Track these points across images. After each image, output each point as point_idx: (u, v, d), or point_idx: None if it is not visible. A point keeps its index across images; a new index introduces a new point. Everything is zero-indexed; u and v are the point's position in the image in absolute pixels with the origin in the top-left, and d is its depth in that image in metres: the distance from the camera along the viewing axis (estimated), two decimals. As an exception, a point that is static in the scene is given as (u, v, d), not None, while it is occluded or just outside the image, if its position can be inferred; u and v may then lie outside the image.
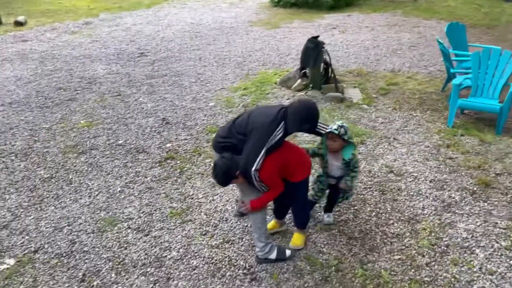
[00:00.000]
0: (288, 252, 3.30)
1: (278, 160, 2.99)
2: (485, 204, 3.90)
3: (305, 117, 2.96)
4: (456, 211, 3.82)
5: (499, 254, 3.31)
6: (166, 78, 7.45)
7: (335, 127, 3.17)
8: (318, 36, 6.49)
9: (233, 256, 3.36)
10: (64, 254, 3.39)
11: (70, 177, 4.48)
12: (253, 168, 2.88)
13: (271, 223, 3.60)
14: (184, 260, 3.33)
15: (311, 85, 6.60)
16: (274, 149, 2.96)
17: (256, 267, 3.24)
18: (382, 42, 9.44)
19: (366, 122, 5.66)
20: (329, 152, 3.37)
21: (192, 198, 4.10)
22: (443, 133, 5.30)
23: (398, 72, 7.63)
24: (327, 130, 3.22)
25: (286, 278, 3.14)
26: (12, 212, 3.93)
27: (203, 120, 5.79)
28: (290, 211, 3.57)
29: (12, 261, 3.32)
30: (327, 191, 3.65)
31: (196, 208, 3.95)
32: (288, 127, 2.97)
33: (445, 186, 4.18)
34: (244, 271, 3.21)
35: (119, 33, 10.73)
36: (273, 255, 3.24)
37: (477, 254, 3.31)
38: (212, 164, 3.07)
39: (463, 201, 3.94)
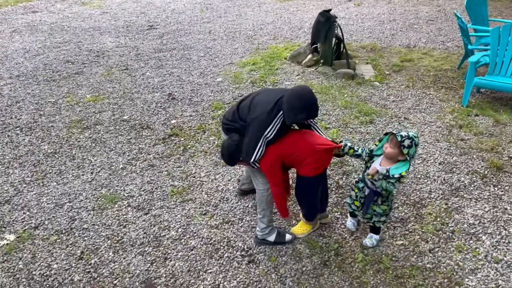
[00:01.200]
0: (288, 237, 3.24)
1: (279, 151, 2.88)
2: (495, 188, 3.75)
3: (298, 107, 2.75)
4: (465, 195, 3.69)
5: (507, 241, 3.19)
6: (174, 52, 7.32)
7: (403, 133, 2.66)
8: (330, 10, 6.23)
9: (232, 237, 3.32)
10: (64, 231, 3.40)
11: (74, 152, 4.46)
12: (251, 160, 2.84)
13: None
14: (183, 240, 3.30)
15: (321, 61, 6.40)
16: (275, 140, 2.86)
17: (254, 249, 3.20)
18: (398, 16, 9.09)
19: (377, 100, 5.48)
20: (381, 156, 2.89)
21: (194, 177, 4.05)
22: (456, 112, 5.10)
23: (414, 48, 7.34)
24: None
25: (284, 261, 3.09)
26: (15, 187, 3.94)
27: (210, 96, 5.68)
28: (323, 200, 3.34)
29: (12, 237, 3.33)
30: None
31: (197, 187, 3.90)
32: (286, 117, 2.81)
33: (454, 169, 4.03)
34: (242, 252, 3.17)
35: (129, 5, 10.57)
36: (271, 238, 3.19)
37: (483, 241, 3.20)
38: (221, 144, 3.04)
39: (472, 185, 3.80)
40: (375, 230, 3.19)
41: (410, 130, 2.64)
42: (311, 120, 3.11)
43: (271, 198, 3.05)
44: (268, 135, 2.81)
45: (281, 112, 2.81)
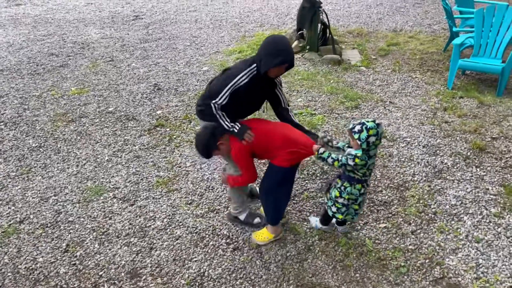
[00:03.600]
0: (256, 220, 3.26)
1: (261, 130, 2.86)
2: (478, 169, 3.79)
3: (274, 50, 2.65)
4: (447, 177, 3.73)
5: (487, 221, 3.24)
6: (160, 42, 7.26)
7: (357, 121, 2.63)
8: (314, -5, 6.19)
9: (217, 225, 3.34)
10: (49, 225, 3.40)
11: (59, 146, 4.44)
12: (213, 101, 2.74)
13: None
14: (168, 230, 3.32)
15: (307, 47, 6.38)
16: (245, 95, 2.75)
17: (239, 236, 3.22)
18: (385, 0, 9.05)
19: (363, 85, 5.49)
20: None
21: (179, 167, 4.05)
22: (441, 95, 5.13)
23: (400, 31, 7.34)
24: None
25: (268, 247, 3.12)
26: None
27: (196, 85, 5.66)
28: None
29: (-3, 232, 3.34)
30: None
31: (183, 177, 3.91)
32: (260, 67, 2.71)
33: (438, 151, 4.06)
34: (228, 240, 3.20)
35: (114, -5, 10.43)
36: (242, 217, 3.27)
37: (464, 222, 3.25)
38: (195, 136, 2.97)
39: (455, 167, 3.84)
40: (324, 217, 3.15)
41: (370, 120, 2.60)
42: (285, 103, 3.09)
43: (245, 187, 3.11)
44: (238, 82, 2.72)
45: (255, 64, 2.74)
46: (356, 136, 2.57)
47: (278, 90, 3.07)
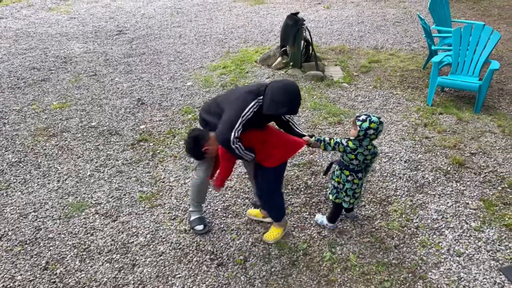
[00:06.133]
0: (199, 227, 3.36)
1: (255, 138, 2.91)
2: (458, 184, 3.87)
3: (282, 100, 2.68)
4: (429, 191, 3.79)
5: (468, 235, 3.30)
6: (144, 57, 7.26)
7: (363, 114, 2.91)
8: (298, 13, 6.30)
9: (201, 241, 3.31)
10: (28, 242, 3.32)
11: (39, 161, 4.36)
12: (231, 137, 2.73)
13: (255, 211, 3.51)
14: (151, 246, 3.27)
15: (291, 63, 6.47)
16: (248, 126, 2.78)
17: (224, 252, 3.20)
18: (366, 18, 9.27)
19: (345, 101, 5.57)
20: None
21: (163, 182, 4.02)
22: (422, 111, 5.24)
23: (381, 49, 7.50)
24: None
25: (253, 263, 3.10)
26: (-23, 198, 3.83)
27: (180, 100, 5.66)
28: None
29: (-26, 249, 3.24)
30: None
31: (166, 192, 3.88)
32: (264, 107, 2.75)
33: (419, 166, 4.14)
34: (212, 256, 3.17)
35: (98, 10, 10.43)
36: (192, 217, 3.42)
37: (446, 236, 3.30)
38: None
39: (436, 182, 3.91)
40: (331, 214, 3.36)
41: (376, 115, 2.89)
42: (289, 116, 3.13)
43: (205, 187, 3.28)
44: (245, 117, 2.72)
45: (261, 97, 2.75)
46: (358, 123, 2.85)
47: (285, 117, 3.14)
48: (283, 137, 3.03)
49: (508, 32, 8.30)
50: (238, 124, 2.73)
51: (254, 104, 2.76)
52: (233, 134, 2.73)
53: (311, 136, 3.08)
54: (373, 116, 2.87)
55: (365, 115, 2.88)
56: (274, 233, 3.30)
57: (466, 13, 9.40)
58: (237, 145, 2.77)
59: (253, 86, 2.87)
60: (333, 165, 3.24)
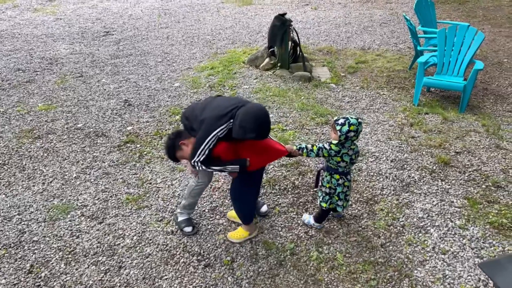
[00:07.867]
0: (187, 228, 3.36)
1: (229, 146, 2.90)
2: (443, 183, 3.91)
3: (250, 127, 2.66)
4: (414, 190, 3.83)
5: (453, 233, 3.33)
6: (131, 58, 7.22)
7: (341, 116, 2.94)
8: (285, 14, 6.32)
9: (188, 242, 3.30)
10: (12, 245, 3.27)
11: (24, 163, 4.31)
12: (193, 160, 2.81)
13: (234, 213, 3.45)
14: (138, 247, 3.25)
15: (279, 64, 6.48)
16: (221, 140, 2.83)
17: (211, 253, 3.19)
18: (353, 19, 9.34)
19: (333, 102, 5.60)
20: None
21: (150, 183, 4.00)
22: (408, 111, 5.29)
23: (368, 49, 7.56)
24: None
25: (240, 263, 3.10)
26: (-40, 202, 3.77)
27: (167, 101, 5.64)
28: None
29: (-44, 254, 3.18)
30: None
31: (153, 194, 3.86)
32: (233, 131, 2.76)
33: (405, 166, 4.17)
34: (199, 257, 3.16)
35: (85, 11, 10.35)
36: (181, 218, 3.41)
37: (431, 234, 3.33)
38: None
39: (422, 181, 3.95)
40: (318, 214, 3.37)
41: (354, 117, 2.91)
42: None
43: (198, 193, 3.30)
44: (213, 139, 2.76)
45: (231, 120, 2.75)
46: (338, 127, 2.88)
47: None
48: (265, 143, 2.98)
49: (492, 33, 8.43)
50: (201, 148, 2.76)
51: (224, 127, 2.76)
52: (196, 158, 2.79)
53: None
54: (351, 118, 2.89)
55: (343, 118, 2.89)
56: (239, 233, 3.31)
57: (451, 14, 9.52)
58: (199, 166, 2.84)
59: (227, 108, 2.80)
60: (321, 173, 3.24)
